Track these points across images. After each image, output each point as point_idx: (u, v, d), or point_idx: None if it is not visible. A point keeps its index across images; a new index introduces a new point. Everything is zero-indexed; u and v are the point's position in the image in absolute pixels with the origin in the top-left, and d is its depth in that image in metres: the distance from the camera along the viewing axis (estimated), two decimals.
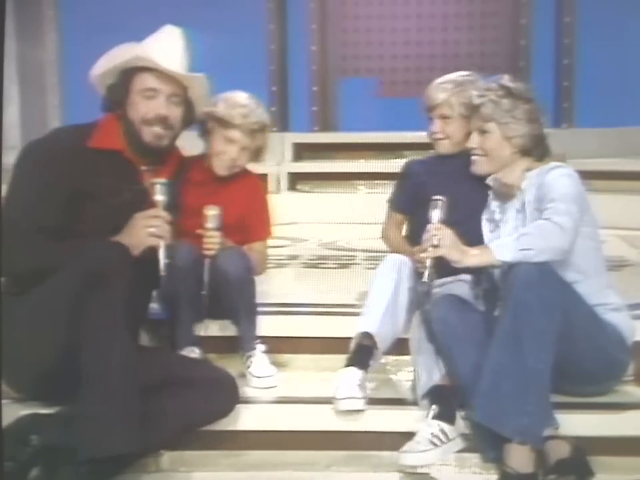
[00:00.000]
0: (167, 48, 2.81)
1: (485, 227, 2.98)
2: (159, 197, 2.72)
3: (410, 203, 3.15)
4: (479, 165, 2.93)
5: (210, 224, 2.97)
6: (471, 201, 2.97)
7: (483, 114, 2.88)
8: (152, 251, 2.68)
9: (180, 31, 2.87)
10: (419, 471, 2.68)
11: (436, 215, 2.78)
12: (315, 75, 6.42)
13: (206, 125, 3.10)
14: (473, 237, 2.86)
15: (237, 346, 3.04)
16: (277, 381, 2.97)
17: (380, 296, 2.92)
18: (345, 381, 2.81)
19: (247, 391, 2.91)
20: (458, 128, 3.06)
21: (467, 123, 3.02)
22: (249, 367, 2.98)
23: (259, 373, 2.96)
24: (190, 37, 2.88)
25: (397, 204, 3.22)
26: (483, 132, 2.89)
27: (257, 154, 3.14)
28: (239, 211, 3.09)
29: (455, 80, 3.09)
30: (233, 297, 2.99)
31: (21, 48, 5.96)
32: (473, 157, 2.94)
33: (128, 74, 2.79)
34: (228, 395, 2.79)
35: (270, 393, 2.94)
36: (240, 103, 3.10)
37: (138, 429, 2.51)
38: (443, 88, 3.08)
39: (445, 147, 3.10)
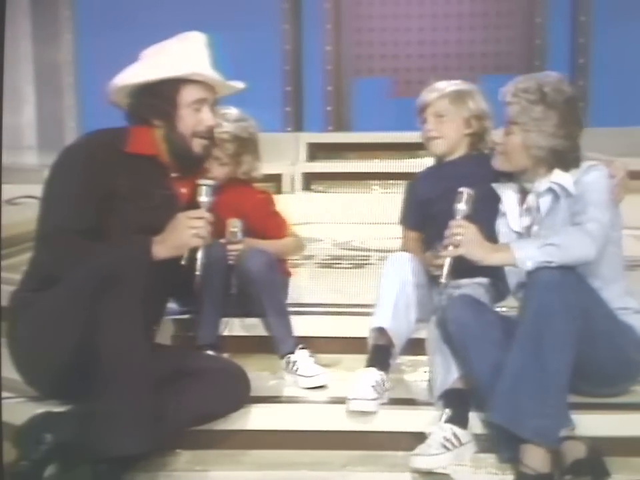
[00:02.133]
0: (206, 57, 2.82)
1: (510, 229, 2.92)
2: (204, 198, 2.73)
3: (420, 220, 3.13)
4: (498, 162, 2.89)
5: (233, 239, 3.08)
6: (476, 213, 2.84)
7: (510, 114, 2.82)
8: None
9: (205, 37, 2.86)
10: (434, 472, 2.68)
11: (460, 208, 2.73)
12: (330, 75, 6.42)
13: None
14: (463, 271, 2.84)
15: (274, 348, 3.04)
16: (327, 379, 2.96)
17: (388, 293, 2.91)
18: (359, 381, 2.81)
19: (295, 390, 2.93)
20: (452, 128, 3.04)
21: (463, 125, 3.02)
22: (295, 370, 2.98)
23: (308, 373, 2.96)
24: (212, 41, 2.87)
25: (409, 222, 3.18)
26: (507, 132, 2.84)
27: (236, 165, 3.18)
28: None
29: (452, 83, 3.09)
30: (258, 295, 3.02)
31: (36, 48, 6.00)
32: (496, 152, 2.89)
33: (172, 86, 2.77)
34: (239, 386, 2.81)
35: (321, 392, 2.93)
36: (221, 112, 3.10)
37: (152, 427, 2.52)
38: (436, 88, 3.08)
39: (438, 147, 3.08)
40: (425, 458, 2.66)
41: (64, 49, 6.29)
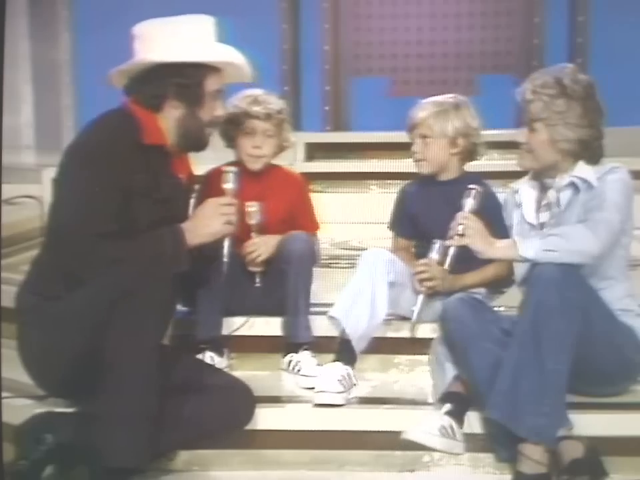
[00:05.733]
0: (226, 45, 2.81)
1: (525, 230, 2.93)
2: (230, 185, 2.75)
3: (409, 230, 3.15)
4: (523, 160, 2.88)
5: (252, 220, 3.07)
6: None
7: (532, 111, 2.81)
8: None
9: (213, 21, 2.84)
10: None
11: (468, 204, 2.77)
12: (328, 75, 6.40)
13: (227, 132, 3.16)
14: (464, 265, 2.88)
15: (289, 335, 3.05)
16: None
17: (350, 286, 2.95)
18: (325, 375, 2.84)
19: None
20: (437, 149, 3.05)
21: (448, 145, 3.02)
22: (298, 370, 3.00)
23: (311, 373, 2.97)
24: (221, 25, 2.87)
25: (398, 230, 3.20)
26: (531, 129, 2.83)
27: (281, 141, 3.20)
28: (282, 206, 3.16)
29: (439, 101, 3.08)
30: (295, 278, 3.03)
31: (34, 48, 5.98)
32: (521, 151, 2.87)
33: (201, 71, 2.73)
34: (244, 406, 2.78)
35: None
36: (246, 94, 3.19)
37: (153, 442, 2.52)
38: (424, 107, 3.08)
39: (424, 169, 3.09)
40: (419, 433, 2.70)
41: (62, 49, 6.28)
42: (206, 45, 2.76)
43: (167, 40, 2.74)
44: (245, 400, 2.79)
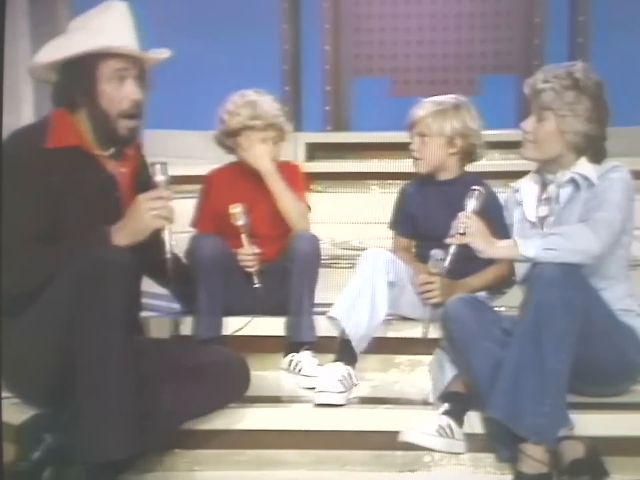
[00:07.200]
0: (127, 27, 2.69)
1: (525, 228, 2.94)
2: (159, 177, 2.66)
3: (409, 229, 3.18)
4: (527, 150, 2.88)
5: (238, 222, 3.05)
6: None
7: (542, 100, 2.81)
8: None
9: (127, 5, 2.74)
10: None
11: (471, 204, 2.78)
12: (328, 75, 6.40)
13: (224, 144, 3.18)
14: (462, 270, 2.90)
15: (292, 334, 3.05)
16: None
17: (351, 285, 2.96)
18: (326, 375, 2.85)
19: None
20: (434, 148, 3.06)
21: (445, 145, 3.02)
22: (299, 370, 3.01)
23: (312, 373, 2.97)
24: (136, 10, 2.75)
25: (398, 229, 3.23)
26: (539, 119, 2.83)
27: (280, 135, 3.22)
28: None
29: (438, 101, 3.09)
30: (299, 277, 3.03)
31: (35, 47, 5.96)
32: (525, 141, 2.87)
33: (91, 61, 2.65)
34: (239, 377, 2.80)
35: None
36: (240, 103, 3.16)
37: (137, 431, 2.51)
38: (423, 106, 3.09)
39: (421, 167, 3.11)
40: (416, 434, 2.70)
41: None
42: (91, 34, 2.67)
43: (66, 36, 2.73)
44: (240, 372, 2.80)
